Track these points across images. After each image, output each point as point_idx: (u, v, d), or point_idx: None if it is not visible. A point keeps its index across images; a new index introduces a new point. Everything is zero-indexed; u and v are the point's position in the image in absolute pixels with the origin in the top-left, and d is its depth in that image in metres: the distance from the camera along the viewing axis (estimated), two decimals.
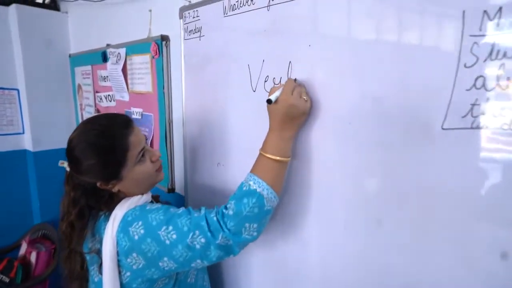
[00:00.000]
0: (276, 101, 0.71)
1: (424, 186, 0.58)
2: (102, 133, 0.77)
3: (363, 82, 0.65)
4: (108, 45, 1.56)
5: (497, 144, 0.49)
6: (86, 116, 1.91)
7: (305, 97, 0.71)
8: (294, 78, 0.76)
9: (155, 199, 1.02)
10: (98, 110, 1.75)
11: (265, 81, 0.84)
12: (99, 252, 0.76)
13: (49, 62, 2.00)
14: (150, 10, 1.27)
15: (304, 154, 0.79)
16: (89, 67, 1.77)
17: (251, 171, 0.74)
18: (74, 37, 2.02)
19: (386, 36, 0.62)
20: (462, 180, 0.53)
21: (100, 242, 0.76)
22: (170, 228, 0.71)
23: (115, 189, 0.80)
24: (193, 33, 1.05)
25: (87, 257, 0.82)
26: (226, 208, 0.71)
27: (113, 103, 1.60)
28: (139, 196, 0.83)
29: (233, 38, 0.92)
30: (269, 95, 0.74)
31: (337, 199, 0.74)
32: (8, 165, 2.00)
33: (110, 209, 0.79)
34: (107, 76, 1.57)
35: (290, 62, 0.78)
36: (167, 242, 0.70)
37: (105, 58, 1.56)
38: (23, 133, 2.04)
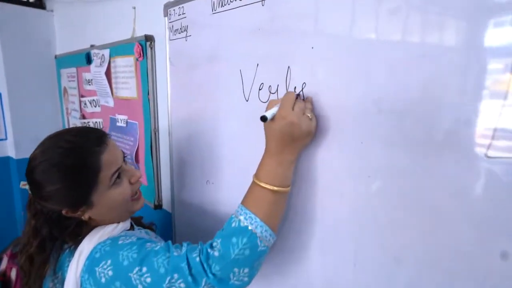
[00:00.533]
0: (273, 118, 0.58)
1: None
2: (69, 152, 0.64)
3: (379, 92, 0.53)
4: (92, 46, 1.43)
5: None
6: (72, 121, 1.79)
7: (309, 114, 0.58)
8: (296, 91, 0.63)
9: (137, 221, 0.89)
10: (83, 116, 1.63)
11: (260, 89, 0.72)
12: None
13: (34, 63, 1.88)
14: (134, 8, 1.15)
15: (306, 177, 0.66)
16: (74, 70, 1.65)
17: (243, 202, 0.61)
18: (60, 37, 1.90)
19: (408, 38, 0.49)
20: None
21: (62, 283, 0.64)
22: (144, 269, 0.58)
23: (85, 217, 0.68)
24: (179, 33, 0.92)
25: None
26: (211, 247, 0.59)
27: (98, 109, 1.47)
28: (114, 225, 0.70)
29: (223, 39, 0.79)
30: (266, 110, 0.61)
31: (345, 231, 0.61)
32: None
33: (77, 241, 0.66)
34: (91, 80, 1.45)
35: (289, 67, 0.65)
36: (140, 287, 0.58)
37: (89, 60, 1.44)
38: (6, 139, 1.92)
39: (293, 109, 0.57)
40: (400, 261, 0.54)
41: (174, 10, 0.92)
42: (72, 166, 0.64)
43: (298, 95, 0.63)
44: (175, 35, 0.94)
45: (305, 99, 0.62)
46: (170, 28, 0.96)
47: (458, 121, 0.44)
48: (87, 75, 1.50)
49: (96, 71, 1.35)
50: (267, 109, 0.62)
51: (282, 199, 0.62)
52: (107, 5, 1.37)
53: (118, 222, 0.72)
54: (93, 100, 1.49)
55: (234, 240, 0.57)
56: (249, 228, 0.57)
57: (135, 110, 1.20)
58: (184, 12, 0.89)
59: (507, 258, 0.42)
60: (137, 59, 1.12)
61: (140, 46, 1.08)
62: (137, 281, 0.58)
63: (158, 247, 0.62)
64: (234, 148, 0.82)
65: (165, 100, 1.04)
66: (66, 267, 0.65)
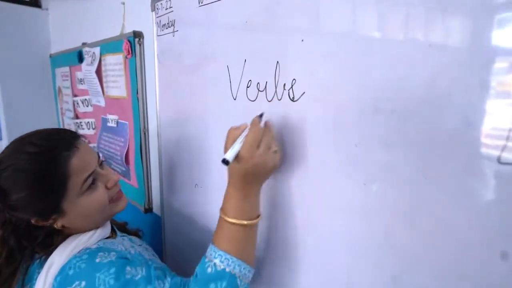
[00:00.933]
0: (237, 158, 0.53)
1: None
2: (35, 157, 0.59)
3: (377, 90, 0.47)
4: (84, 43, 1.39)
5: None
6: (67, 121, 1.75)
7: (274, 147, 0.55)
8: (260, 113, 0.58)
9: (121, 227, 0.84)
10: (76, 116, 1.59)
11: (248, 87, 0.66)
12: None
13: (29, 63, 1.83)
14: (123, 3, 1.10)
15: (289, 191, 0.60)
16: (67, 69, 1.61)
17: (214, 242, 0.57)
18: (54, 35, 1.86)
19: (410, 31, 0.43)
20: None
21: None
22: None
23: (57, 225, 0.63)
24: (166, 28, 0.87)
25: None
26: None
27: (90, 108, 1.43)
28: (90, 233, 0.65)
29: (210, 33, 0.74)
30: (226, 144, 0.57)
31: (337, 248, 0.55)
32: None
33: (48, 252, 0.61)
34: (83, 79, 1.40)
35: (277, 62, 0.60)
36: None
37: (81, 59, 1.40)
38: (1, 139, 1.89)
39: (258, 146, 0.53)
40: (399, 282, 0.48)
41: (161, 4, 0.87)
42: (38, 172, 0.58)
43: (261, 115, 0.58)
44: (162, 30, 0.89)
45: (268, 127, 0.57)
46: (157, 23, 0.91)
47: (466, 122, 0.38)
48: (79, 74, 1.46)
49: (87, 69, 1.31)
50: (227, 141, 0.57)
51: (254, 231, 0.59)
52: (98, 1, 1.32)
53: (96, 229, 0.67)
54: (85, 99, 1.44)
55: (212, 286, 0.54)
56: (227, 270, 0.54)
57: (125, 110, 1.15)
58: (171, 6, 0.84)
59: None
60: (126, 57, 1.07)
61: (128, 43, 1.04)
62: None
63: (139, 276, 0.57)
64: (221, 150, 0.76)
65: (153, 99, 0.99)
66: (35, 280, 0.60)
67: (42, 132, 0.64)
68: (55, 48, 1.83)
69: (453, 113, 0.39)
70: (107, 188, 0.67)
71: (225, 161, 0.52)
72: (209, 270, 0.55)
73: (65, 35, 1.72)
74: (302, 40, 0.55)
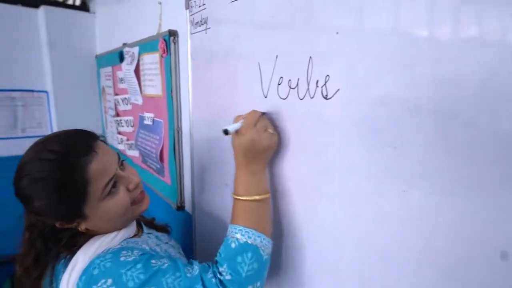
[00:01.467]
0: (237, 133, 0.62)
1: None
2: (52, 164, 0.58)
3: (419, 89, 0.42)
4: (124, 44, 1.44)
5: None
6: (109, 119, 1.83)
7: (270, 130, 0.62)
8: (262, 111, 0.65)
9: (149, 223, 0.85)
10: (117, 114, 1.65)
11: (279, 84, 0.63)
12: None
13: (77, 63, 1.96)
14: (160, 3, 1.12)
15: (318, 188, 0.56)
16: (110, 68, 1.69)
17: (232, 222, 0.62)
18: (100, 37, 1.96)
19: (460, 22, 0.37)
20: None
21: None
22: None
23: (81, 228, 0.63)
24: (199, 26, 0.86)
25: None
26: (220, 273, 0.56)
27: (129, 107, 1.48)
28: (113, 234, 0.65)
29: (241, 29, 0.72)
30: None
31: (369, 256, 0.50)
32: None
33: (72, 252, 0.62)
34: (123, 78, 1.46)
35: (310, 57, 0.56)
36: None
37: (121, 58, 1.45)
38: None
39: (255, 125, 0.60)
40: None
41: (195, 1, 0.87)
42: (57, 180, 0.57)
43: (264, 113, 0.65)
44: (195, 28, 0.88)
45: (265, 117, 0.64)
46: (191, 21, 0.90)
47: None
48: (120, 74, 1.52)
49: (126, 69, 1.36)
50: (234, 123, 0.65)
51: (266, 205, 0.63)
52: (138, 3, 1.36)
53: (120, 230, 0.67)
54: (125, 98, 1.50)
55: (239, 259, 0.57)
56: (249, 242, 0.58)
57: (160, 108, 1.17)
58: (204, 3, 0.83)
59: None
60: (161, 56, 1.09)
61: (164, 42, 1.05)
62: None
63: (166, 265, 0.57)
64: None
65: (187, 98, 0.99)
66: (59, 280, 0.61)
67: (60, 136, 0.63)
68: (100, 49, 1.92)
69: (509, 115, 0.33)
70: (128, 190, 0.66)
71: (225, 131, 0.61)
72: (232, 245, 0.58)
73: (109, 36, 1.80)
74: (337, 33, 0.51)
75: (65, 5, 1.94)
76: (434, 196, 0.41)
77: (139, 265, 0.56)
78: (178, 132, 1.09)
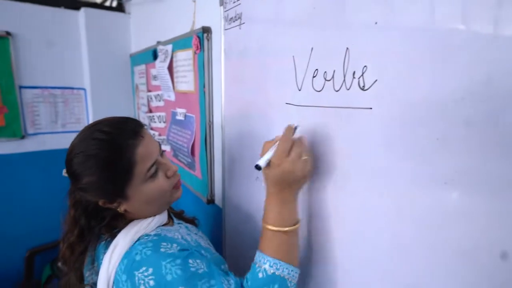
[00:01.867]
0: (268, 164, 0.59)
1: None
2: (104, 144, 0.62)
3: (462, 77, 0.40)
4: (158, 42, 1.49)
5: None
6: (141, 115, 1.90)
7: (305, 156, 0.59)
8: (295, 125, 0.63)
9: (178, 215, 0.88)
10: (150, 110, 1.71)
11: (314, 77, 0.63)
12: (94, 286, 0.64)
13: (112, 62, 2.04)
14: (194, 1, 1.15)
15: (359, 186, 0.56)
16: (143, 66, 1.75)
17: (261, 248, 0.62)
18: (134, 36, 2.04)
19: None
20: None
21: (97, 273, 0.64)
22: None
23: (121, 209, 0.67)
24: (233, 21, 0.88)
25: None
26: None
27: (161, 103, 1.53)
28: (149, 220, 0.68)
29: (275, 22, 0.72)
30: (261, 154, 0.63)
31: (406, 261, 0.49)
32: None
33: (113, 234, 0.65)
34: (156, 75, 1.51)
35: (347, 48, 0.55)
36: None
37: (155, 56, 1.50)
38: None
39: (289, 153, 0.58)
40: None
41: None
42: (106, 158, 0.61)
43: (296, 128, 0.63)
44: (229, 24, 0.90)
45: (301, 138, 0.62)
46: (225, 17, 0.92)
47: None
48: (153, 71, 1.57)
49: (160, 66, 1.40)
50: (262, 151, 0.63)
51: (295, 236, 0.63)
52: (172, 2, 1.40)
53: (154, 216, 0.70)
54: (158, 94, 1.55)
55: None
56: (277, 274, 0.59)
57: (193, 104, 1.20)
58: None
59: None
60: (195, 52, 1.12)
61: (197, 39, 1.08)
62: None
63: (201, 271, 0.60)
64: None
65: (219, 93, 1.01)
66: (101, 260, 0.65)
67: (110, 119, 0.67)
68: (135, 48, 2.00)
69: None
70: (167, 176, 0.69)
71: (257, 167, 0.59)
72: (260, 275, 0.59)
73: (143, 35, 1.87)
74: (376, 23, 0.50)
75: (103, 7, 2.04)
76: (477, 188, 0.40)
77: (178, 261, 0.59)
78: (209, 126, 1.11)
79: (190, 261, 0.60)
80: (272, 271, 0.59)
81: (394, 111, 0.49)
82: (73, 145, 0.65)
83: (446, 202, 0.43)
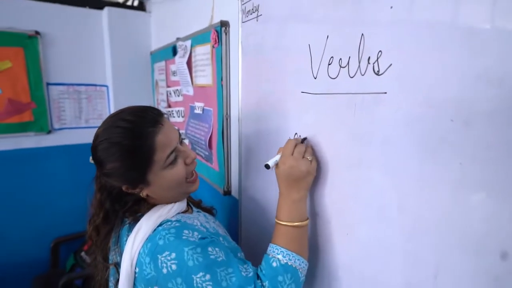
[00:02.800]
0: (277, 165, 0.68)
1: None
2: (127, 131, 0.65)
3: (481, 56, 0.40)
4: (178, 38, 1.53)
5: None
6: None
7: (309, 157, 0.66)
8: (302, 138, 0.72)
9: (197, 204, 0.90)
10: (169, 105, 1.76)
11: (329, 64, 0.64)
12: (118, 266, 0.67)
13: (134, 60, 2.11)
14: None
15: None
16: (163, 63, 1.80)
17: (274, 242, 0.67)
18: (155, 34, 2.10)
19: None
20: None
21: (121, 255, 0.67)
22: (208, 277, 0.59)
23: (143, 194, 0.70)
24: (251, 14, 0.90)
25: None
26: (263, 287, 0.62)
27: (180, 98, 1.57)
28: (170, 206, 0.71)
29: (292, 13, 0.73)
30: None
31: (424, 228, 0.49)
32: None
33: (136, 218, 0.69)
34: (175, 71, 1.55)
35: (362, 34, 0.56)
36: None
37: (175, 52, 1.54)
38: None
39: (292, 154, 0.66)
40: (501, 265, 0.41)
41: None
42: (129, 146, 0.64)
43: (303, 140, 0.72)
44: (247, 16, 0.92)
45: (307, 146, 0.70)
46: (243, 10, 0.94)
47: None
48: (172, 67, 1.61)
49: (179, 61, 1.44)
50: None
51: (304, 231, 0.68)
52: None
53: (175, 202, 0.73)
54: (177, 90, 1.59)
55: (280, 278, 0.62)
56: (289, 264, 0.63)
57: (210, 97, 1.23)
58: None
59: None
60: (213, 46, 1.14)
61: (216, 33, 1.10)
62: (199, 285, 0.59)
63: (221, 258, 0.62)
64: (300, 131, 0.75)
65: (236, 85, 1.04)
66: (124, 241, 0.68)
67: (132, 108, 0.70)
68: (154, 46, 2.06)
69: None
70: (185, 164, 0.72)
71: (266, 166, 0.68)
72: (274, 264, 0.63)
73: (163, 33, 1.92)
74: (391, 7, 0.51)
75: (125, 6, 2.11)
76: (492, 167, 0.40)
77: (199, 249, 0.61)
78: (227, 119, 1.14)
79: (210, 249, 0.63)
80: (285, 261, 0.63)
81: (409, 94, 0.49)
82: (97, 133, 0.68)
83: (465, 184, 0.44)
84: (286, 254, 0.64)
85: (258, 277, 0.63)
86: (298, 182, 0.66)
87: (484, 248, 0.40)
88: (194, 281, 0.58)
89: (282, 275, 0.62)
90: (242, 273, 0.61)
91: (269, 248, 0.67)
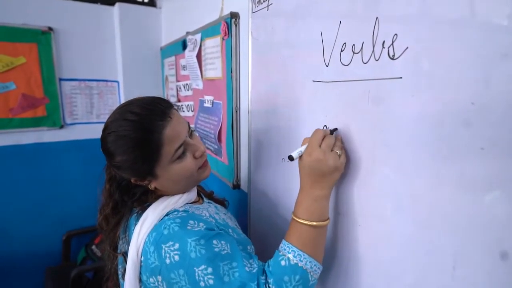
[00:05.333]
0: (301, 156, 0.62)
1: None
2: (134, 124, 0.63)
3: (506, 34, 0.38)
4: (187, 32, 1.53)
5: None
6: None
7: (338, 151, 0.60)
8: (331, 129, 0.65)
9: (209, 196, 0.90)
10: (179, 100, 1.76)
11: (342, 51, 0.63)
12: (125, 255, 0.67)
13: (144, 55, 2.12)
14: None
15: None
16: (173, 58, 1.80)
17: (287, 239, 0.63)
18: (165, 30, 2.10)
19: None
20: None
21: (129, 244, 0.67)
22: (210, 270, 0.58)
23: (151, 187, 0.70)
24: (261, 3, 0.88)
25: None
26: (268, 283, 0.59)
27: (190, 92, 1.57)
28: (178, 196, 0.71)
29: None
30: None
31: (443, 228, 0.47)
32: None
33: (143, 208, 0.68)
34: (185, 65, 1.55)
35: (377, 18, 0.54)
36: (202, 284, 0.57)
37: (184, 46, 1.54)
38: None
39: (319, 146, 0.59)
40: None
41: None
42: (136, 139, 0.63)
43: (332, 131, 0.64)
44: (257, 6, 0.91)
45: (336, 137, 0.63)
46: (253, 0, 0.93)
47: None
48: (182, 61, 1.61)
49: (189, 55, 1.44)
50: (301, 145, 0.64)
51: (323, 232, 0.63)
52: None
53: (183, 193, 0.72)
54: (186, 84, 1.59)
55: (286, 278, 0.58)
56: (299, 265, 0.59)
57: (220, 90, 1.22)
58: None
59: None
60: (223, 38, 1.13)
61: (226, 24, 1.09)
62: (201, 278, 0.57)
63: (225, 252, 0.61)
64: (312, 122, 0.74)
65: (246, 77, 1.03)
66: (132, 231, 0.68)
67: (142, 100, 0.67)
68: (165, 41, 2.06)
69: None
70: (194, 157, 0.70)
71: (290, 157, 0.61)
72: (282, 263, 0.59)
73: (173, 28, 1.92)
74: None
75: (136, 2, 2.12)
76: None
77: (202, 241, 0.60)
78: (236, 111, 1.13)
79: (215, 241, 0.61)
80: (295, 261, 0.59)
81: (427, 78, 0.47)
82: (107, 123, 0.67)
83: (488, 169, 0.42)
84: (298, 254, 0.59)
85: (264, 272, 0.60)
86: (324, 178, 0.60)
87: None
88: (196, 274, 0.57)
89: (289, 275, 0.58)
90: (246, 268, 0.59)
91: (281, 245, 0.63)
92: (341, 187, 0.66)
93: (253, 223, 1.09)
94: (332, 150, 0.60)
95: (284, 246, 0.62)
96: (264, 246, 0.96)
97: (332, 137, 0.62)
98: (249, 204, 1.10)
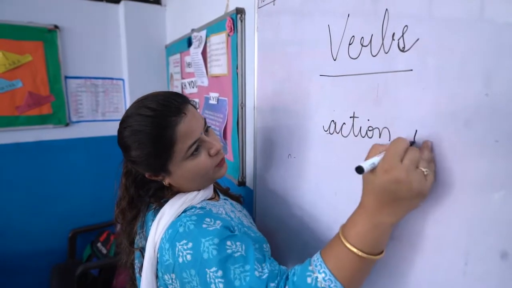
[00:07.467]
0: (373, 169, 0.46)
1: None
2: (148, 120, 0.62)
3: (503, 33, 0.37)
4: (192, 30, 1.52)
5: None
6: None
7: (424, 170, 0.45)
8: (410, 140, 0.49)
9: (224, 192, 0.89)
10: None
11: (350, 44, 0.62)
12: (143, 250, 0.67)
13: (149, 53, 2.12)
14: None
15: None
16: (178, 56, 1.80)
17: (323, 255, 0.53)
18: (170, 27, 2.10)
19: None
20: None
21: (146, 240, 0.67)
22: (220, 273, 0.55)
23: (165, 182, 0.69)
24: None
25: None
26: None
27: (195, 89, 1.57)
28: (194, 193, 0.70)
29: None
30: (366, 158, 0.49)
31: (452, 223, 0.46)
32: (113, 148, 2.22)
33: (160, 204, 0.68)
34: (190, 62, 1.54)
35: (386, 10, 0.53)
36: (213, 287, 0.56)
37: (190, 43, 1.54)
38: None
39: (402, 161, 0.44)
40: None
41: None
42: (149, 135, 0.62)
43: (413, 142, 0.49)
44: (263, 1, 0.90)
45: (421, 147, 0.48)
46: None
47: None
48: (187, 59, 1.61)
49: (194, 52, 1.43)
50: (368, 154, 0.50)
51: (369, 266, 0.51)
52: None
53: (199, 190, 0.72)
54: (191, 81, 1.58)
55: None
56: None
57: (225, 87, 1.22)
58: None
59: None
60: (228, 35, 1.13)
61: (231, 20, 1.09)
62: (211, 280, 0.56)
63: (239, 254, 0.58)
64: (319, 118, 0.73)
65: (251, 73, 1.02)
66: (149, 226, 0.68)
67: (158, 96, 0.66)
68: (170, 39, 2.06)
69: None
70: (209, 155, 0.68)
71: (359, 169, 0.45)
72: (308, 280, 0.51)
73: (178, 26, 1.92)
74: None
75: (141, 0, 2.12)
76: None
77: (216, 240, 0.58)
78: (242, 108, 1.12)
79: (228, 243, 0.59)
80: (323, 285, 0.50)
81: (438, 70, 0.46)
82: (123, 118, 0.67)
83: (501, 164, 0.41)
84: (329, 279, 0.50)
85: (287, 277, 0.55)
86: (399, 203, 0.46)
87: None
88: (207, 275, 0.56)
89: None
90: (256, 272, 0.55)
91: (315, 256, 0.54)
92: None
93: (258, 220, 1.08)
94: (416, 168, 0.45)
95: (317, 262, 0.53)
96: (269, 244, 0.95)
97: (417, 150, 0.46)
98: (255, 201, 1.09)
